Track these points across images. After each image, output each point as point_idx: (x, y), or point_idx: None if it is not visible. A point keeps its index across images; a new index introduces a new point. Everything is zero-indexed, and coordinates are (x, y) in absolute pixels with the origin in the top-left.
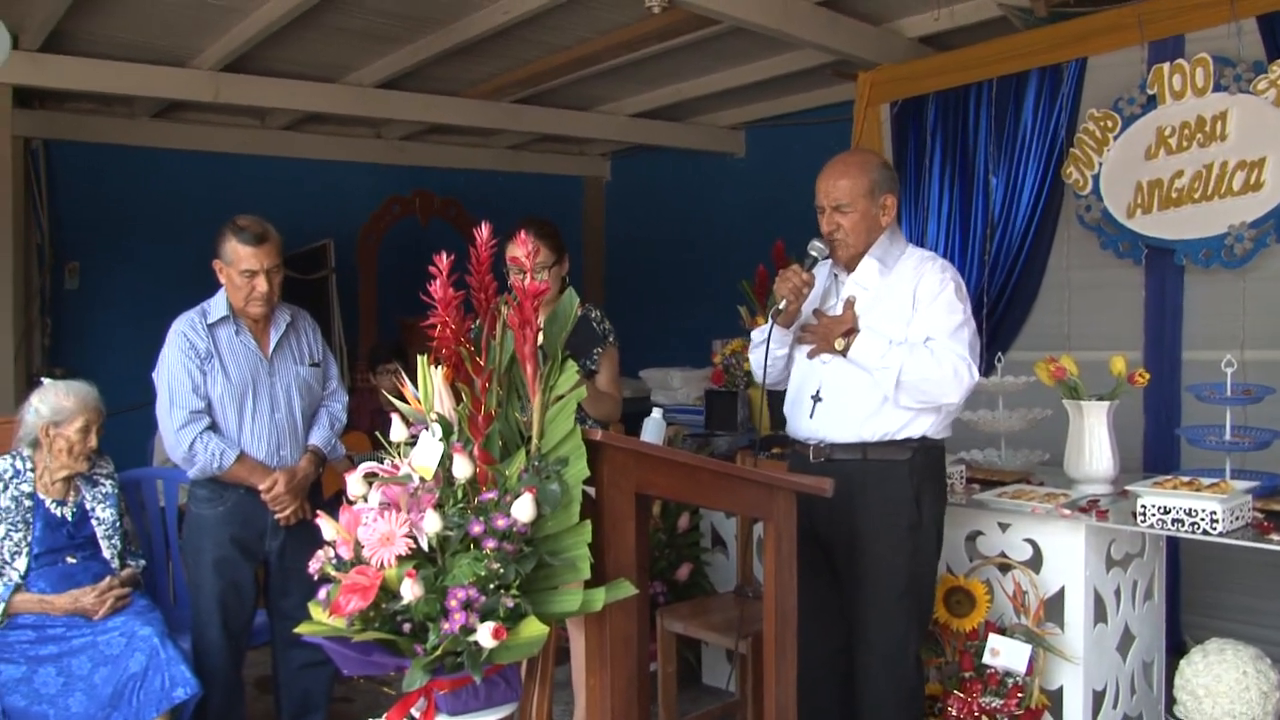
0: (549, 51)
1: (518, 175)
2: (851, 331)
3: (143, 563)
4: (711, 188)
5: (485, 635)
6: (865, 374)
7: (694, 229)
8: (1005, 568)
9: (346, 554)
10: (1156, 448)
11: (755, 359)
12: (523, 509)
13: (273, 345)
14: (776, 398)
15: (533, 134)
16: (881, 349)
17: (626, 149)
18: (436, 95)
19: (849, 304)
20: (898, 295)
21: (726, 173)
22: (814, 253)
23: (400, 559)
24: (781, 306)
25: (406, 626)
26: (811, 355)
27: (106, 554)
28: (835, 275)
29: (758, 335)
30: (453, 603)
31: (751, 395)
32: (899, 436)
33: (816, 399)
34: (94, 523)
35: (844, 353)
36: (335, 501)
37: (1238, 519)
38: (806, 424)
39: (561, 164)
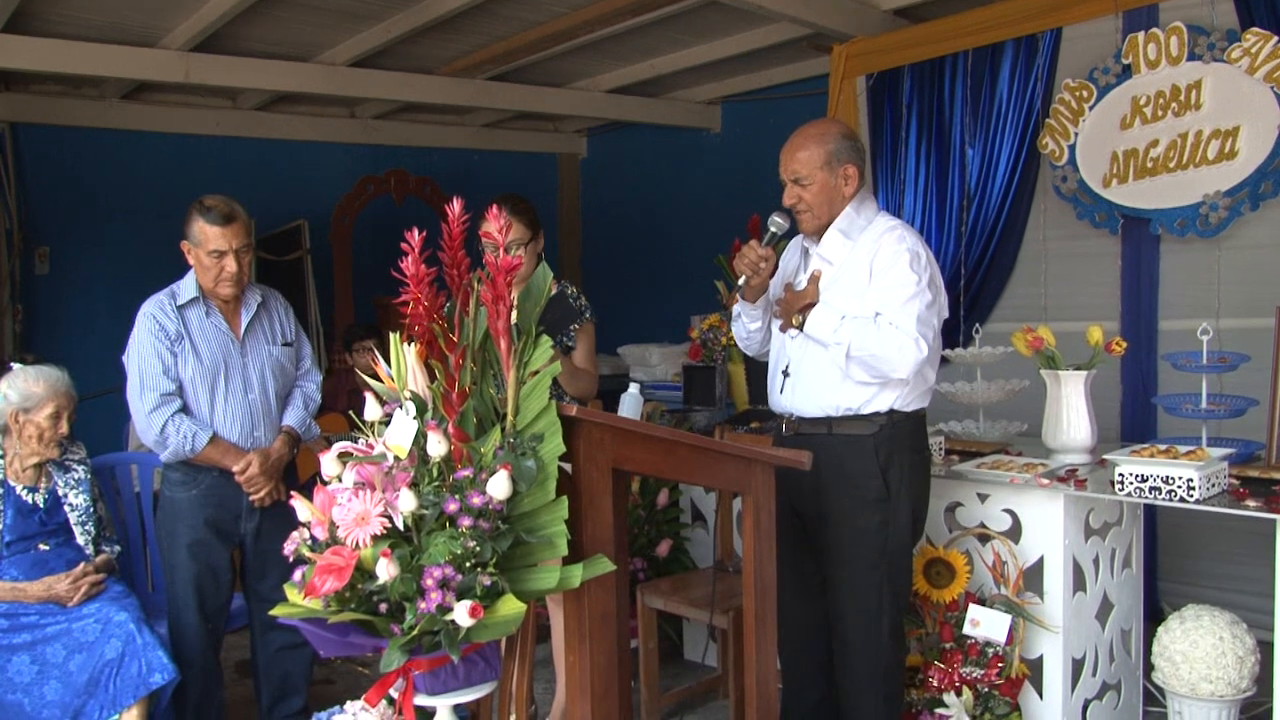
0: (523, 27)
1: (493, 153)
2: (809, 306)
3: (118, 548)
4: (687, 163)
5: (462, 614)
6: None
7: (670, 205)
8: (984, 538)
9: (321, 535)
10: (1134, 417)
11: (734, 331)
12: (498, 486)
13: (244, 326)
14: (756, 372)
15: (508, 111)
16: (834, 324)
17: (602, 125)
18: (410, 73)
19: (814, 278)
20: (859, 267)
21: (702, 148)
22: (773, 227)
23: (375, 539)
24: (741, 282)
25: (383, 606)
26: (783, 330)
27: (80, 540)
28: (806, 249)
29: (736, 309)
30: (429, 582)
31: (730, 370)
32: (864, 411)
33: (786, 374)
34: (67, 509)
35: (800, 327)
36: (312, 484)
37: (1214, 486)
38: (778, 398)
39: (537, 141)
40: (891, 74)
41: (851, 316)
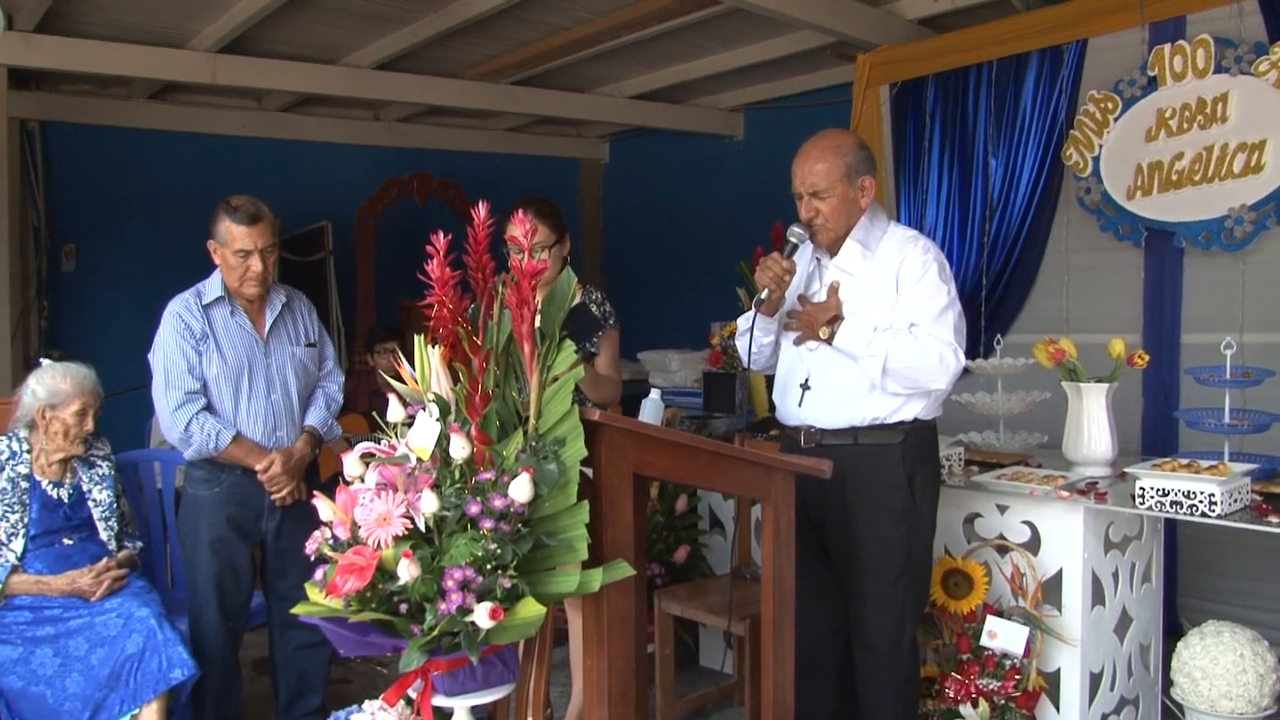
0: (548, 33)
1: (516, 157)
2: (836, 319)
3: (140, 544)
4: (710, 170)
5: (482, 616)
6: (852, 361)
7: (692, 211)
8: (1003, 550)
9: (343, 534)
10: (1155, 430)
11: (741, 346)
12: (520, 489)
13: (268, 326)
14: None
15: (531, 116)
16: (866, 336)
17: (625, 131)
18: (434, 77)
19: (833, 290)
20: (881, 278)
21: (725, 155)
22: (794, 239)
23: (397, 539)
24: (764, 296)
25: (403, 607)
26: (798, 343)
27: (103, 535)
28: (818, 259)
29: (743, 323)
30: (450, 583)
31: (750, 377)
32: (890, 420)
33: (805, 387)
34: (91, 504)
35: (829, 341)
36: (332, 483)
37: (1236, 501)
38: (796, 411)
39: (560, 146)
40: (915, 83)
41: (882, 328)
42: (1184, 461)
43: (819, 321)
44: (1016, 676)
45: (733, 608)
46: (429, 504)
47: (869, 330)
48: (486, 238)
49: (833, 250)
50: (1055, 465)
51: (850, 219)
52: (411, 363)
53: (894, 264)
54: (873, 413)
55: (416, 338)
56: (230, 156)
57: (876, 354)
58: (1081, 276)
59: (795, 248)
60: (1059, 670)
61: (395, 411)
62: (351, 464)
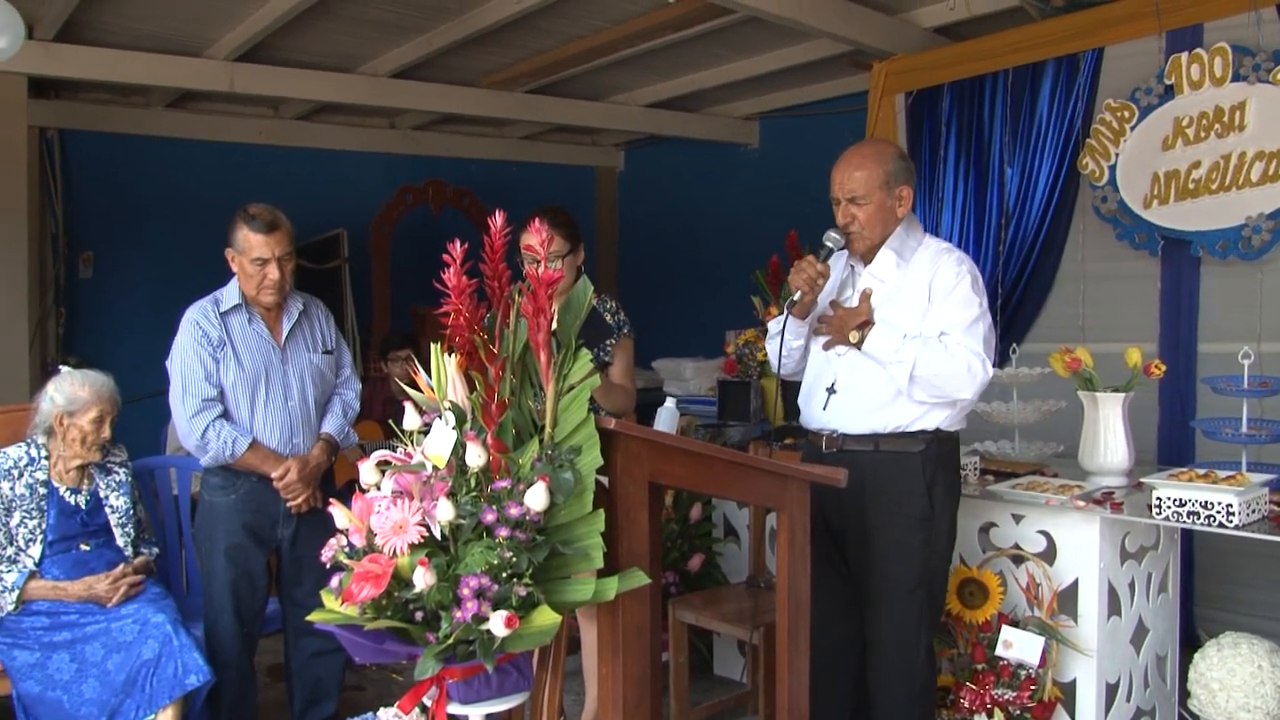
0: (563, 41)
1: (531, 165)
2: (866, 324)
3: (156, 550)
4: (725, 178)
5: (498, 624)
6: (880, 366)
7: (707, 220)
8: (1019, 559)
9: (359, 542)
10: (1171, 440)
11: (771, 350)
12: (536, 497)
13: (285, 333)
14: (790, 388)
15: (546, 124)
16: (895, 342)
17: (640, 139)
18: (450, 85)
19: (865, 296)
20: (914, 288)
21: (740, 163)
22: (829, 243)
23: (413, 547)
24: (796, 298)
25: (419, 615)
26: (827, 347)
27: (120, 542)
28: (851, 266)
29: (774, 326)
30: (465, 591)
31: (764, 386)
32: (912, 429)
33: (831, 391)
34: (108, 510)
35: (858, 345)
36: (348, 490)
37: (1254, 512)
38: (820, 415)
39: (575, 154)
40: (931, 92)
41: (912, 336)
42: (1201, 471)
43: (849, 325)
44: (1032, 687)
45: (751, 617)
46: (445, 512)
47: (898, 336)
48: (503, 246)
49: (867, 258)
50: (1071, 475)
51: (886, 228)
52: (428, 370)
53: (927, 275)
54: (895, 420)
55: (433, 345)
56: (247, 164)
57: (905, 360)
58: (1097, 285)
59: (830, 252)
60: (1074, 681)
61: (411, 419)
62: (368, 471)
